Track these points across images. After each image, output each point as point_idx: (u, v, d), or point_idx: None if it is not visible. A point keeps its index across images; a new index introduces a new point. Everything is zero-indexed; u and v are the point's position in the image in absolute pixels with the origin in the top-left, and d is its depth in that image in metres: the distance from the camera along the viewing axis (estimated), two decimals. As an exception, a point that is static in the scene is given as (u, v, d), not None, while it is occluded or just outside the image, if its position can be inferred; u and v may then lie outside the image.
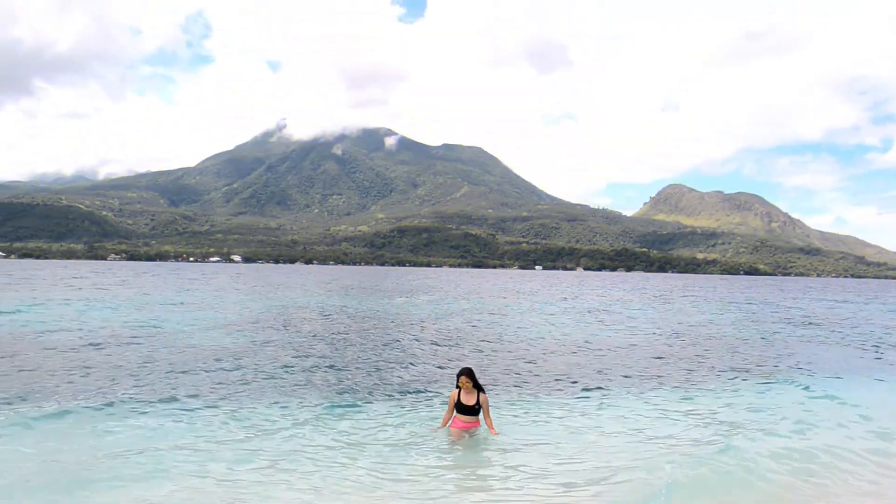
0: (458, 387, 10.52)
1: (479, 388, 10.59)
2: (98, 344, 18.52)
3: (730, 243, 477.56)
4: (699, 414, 12.38)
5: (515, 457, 9.52)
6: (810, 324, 33.97)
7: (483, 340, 22.20)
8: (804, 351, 22.13)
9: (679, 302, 52.78)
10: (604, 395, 13.88)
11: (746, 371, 17.04)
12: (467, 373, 10.48)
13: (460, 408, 10.48)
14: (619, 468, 8.92)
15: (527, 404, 12.86)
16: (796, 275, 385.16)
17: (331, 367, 16.49)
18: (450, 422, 10.66)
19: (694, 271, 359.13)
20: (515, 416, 11.89)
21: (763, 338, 25.66)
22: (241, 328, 24.11)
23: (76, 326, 23.05)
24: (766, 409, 12.75)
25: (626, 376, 15.86)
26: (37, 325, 23.23)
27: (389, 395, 13.39)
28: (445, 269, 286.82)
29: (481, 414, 10.60)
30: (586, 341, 22.78)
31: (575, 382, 15.07)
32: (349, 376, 15.27)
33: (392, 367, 16.65)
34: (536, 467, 9.05)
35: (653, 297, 60.16)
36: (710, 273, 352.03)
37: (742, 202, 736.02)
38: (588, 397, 13.69)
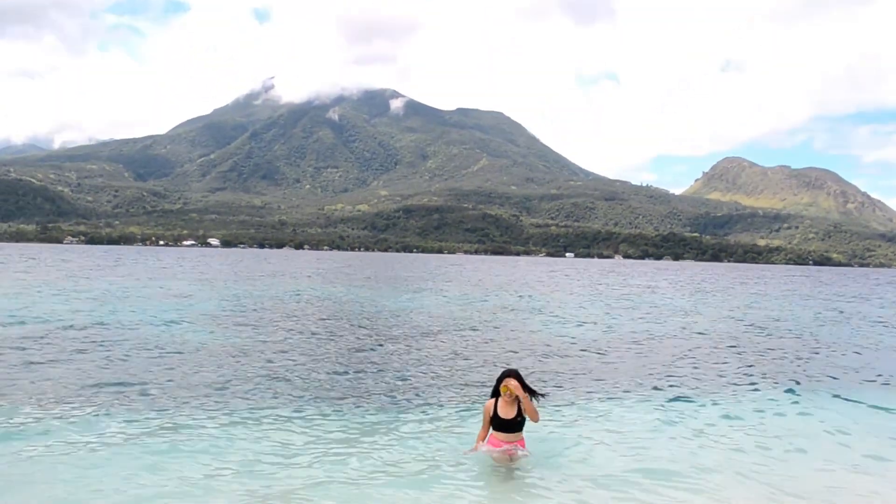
0: (495, 394, 9.32)
1: (530, 392, 9.34)
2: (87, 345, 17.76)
3: (797, 227, 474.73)
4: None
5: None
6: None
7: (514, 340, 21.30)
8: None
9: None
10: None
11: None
12: (515, 375, 9.22)
13: (497, 423, 9.24)
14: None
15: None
16: (876, 265, 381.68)
17: (334, 372, 16.41)
18: (486, 439, 9.49)
19: (754, 260, 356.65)
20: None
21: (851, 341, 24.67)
22: (239, 324, 23.56)
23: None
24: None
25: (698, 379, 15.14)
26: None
27: (404, 408, 13.05)
28: (460, 256, 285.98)
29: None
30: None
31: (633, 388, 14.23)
32: (356, 384, 15.15)
33: (411, 375, 16.42)
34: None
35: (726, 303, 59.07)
36: (774, 262, 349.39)
37: (812, 179, 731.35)
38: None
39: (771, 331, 28.56)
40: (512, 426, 9.17)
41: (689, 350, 21.94)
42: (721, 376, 17.14)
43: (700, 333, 26.71)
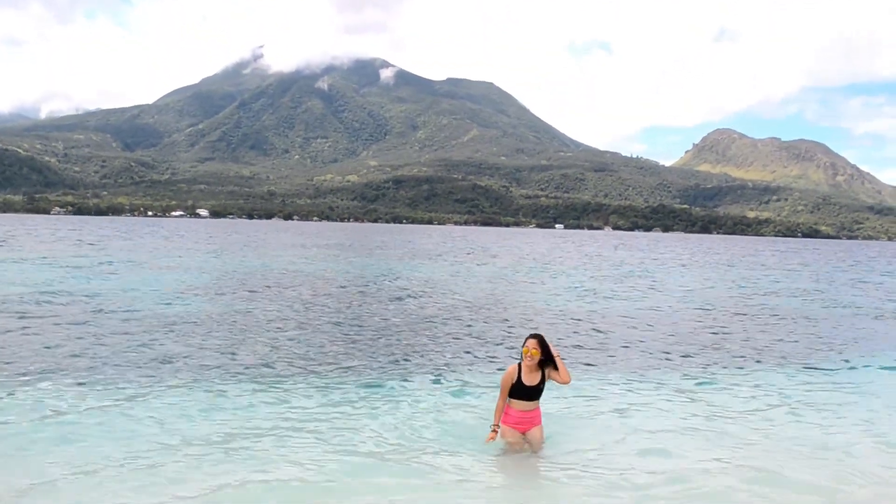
0: (520, 360, 8.82)
1: (548, 361, 8.78)
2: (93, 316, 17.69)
3: (786, 200, 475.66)
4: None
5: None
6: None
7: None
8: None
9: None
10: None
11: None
12: (538, 338, 8.73)
13: (519, 390, 8.72)
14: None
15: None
16: (864, 238, 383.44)
17: (328, 347, 16.28)
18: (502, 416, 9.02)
19: (743, 232, 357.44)
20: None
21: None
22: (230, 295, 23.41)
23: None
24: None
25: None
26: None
27: (411, 381, 13.07)
28: (450, 228, 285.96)
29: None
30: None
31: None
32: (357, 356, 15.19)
33: (415, 348, 16.42)
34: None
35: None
36: (763, 234, 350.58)
37: (802, 151, 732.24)
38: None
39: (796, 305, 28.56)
40: (533, 393, 8.76)
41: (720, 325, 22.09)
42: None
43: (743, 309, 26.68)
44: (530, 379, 8.65)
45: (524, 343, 8.70)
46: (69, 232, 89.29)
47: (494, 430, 8.86)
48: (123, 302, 22.35)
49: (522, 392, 8.68)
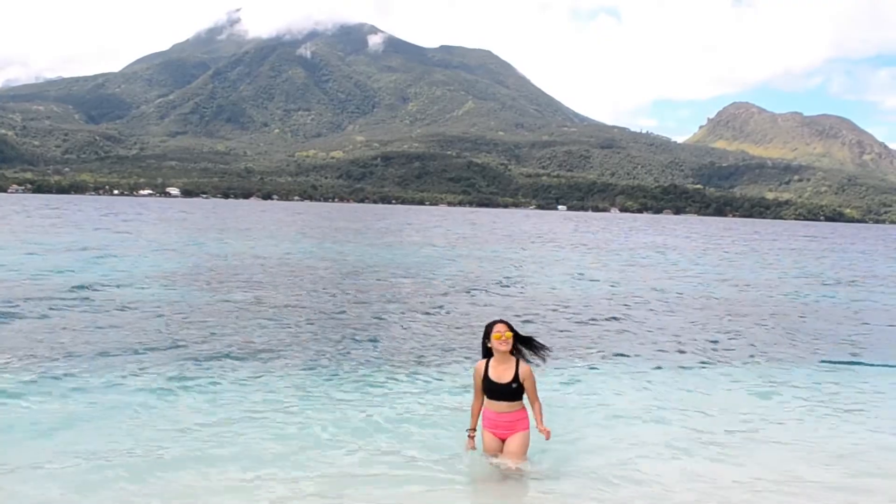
0: (485, 353, 8.23)
1: (518, 354, 8.18)
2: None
3: (809, 180, 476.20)
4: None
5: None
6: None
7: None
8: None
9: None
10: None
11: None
12: (505, 319, 8.28)
13: (490, 389, 8.06)
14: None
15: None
16: (892, 222, 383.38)
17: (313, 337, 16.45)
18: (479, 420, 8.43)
19: (762, 215, 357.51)
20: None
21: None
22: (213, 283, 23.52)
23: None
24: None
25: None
26: None
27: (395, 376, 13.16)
28: (443, 209, 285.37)
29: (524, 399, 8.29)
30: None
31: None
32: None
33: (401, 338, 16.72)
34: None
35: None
36: (783, 217, 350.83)
37: (826, 127, 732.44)
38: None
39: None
40: (507, 393, 7.97)
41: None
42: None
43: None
44: (498, 374, 7.97)
45: (490, 329, 8.10)
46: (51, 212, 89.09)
47: (471, 436, 8.38)
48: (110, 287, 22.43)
49: (493, 390, 8.02)
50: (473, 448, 8.33)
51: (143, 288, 23.56)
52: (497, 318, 8.39)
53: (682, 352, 16.19)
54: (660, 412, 11.19)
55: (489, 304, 22.62)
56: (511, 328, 8.01)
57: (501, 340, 7.89)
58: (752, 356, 15.94)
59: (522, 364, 8.01)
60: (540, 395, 8.12)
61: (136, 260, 34.03)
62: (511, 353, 8.02)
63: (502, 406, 8.01)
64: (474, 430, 8.31)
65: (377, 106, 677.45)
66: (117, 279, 25.90)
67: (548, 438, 7.98)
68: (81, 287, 22.38)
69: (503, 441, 8.11)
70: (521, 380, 7.92)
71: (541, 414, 8.02)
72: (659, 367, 14.46)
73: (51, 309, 18.39)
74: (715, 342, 17.52)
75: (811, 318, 22.72)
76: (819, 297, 28.72)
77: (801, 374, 14.42)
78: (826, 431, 10.55)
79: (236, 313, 19.22)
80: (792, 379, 13.83)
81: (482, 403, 8.22)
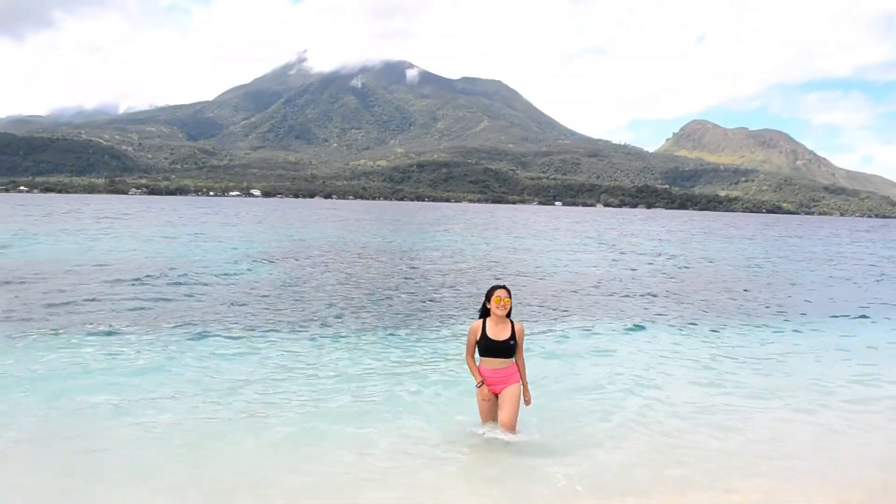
0: (483, 314, 7.34)
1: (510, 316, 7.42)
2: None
3: (753, 181, 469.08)
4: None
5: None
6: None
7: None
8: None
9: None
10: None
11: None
12: (506, 286, 7.41)
13: (488, 346, 7.19)
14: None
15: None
16: (819, 213, 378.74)
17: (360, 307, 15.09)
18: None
19: (716, 209, 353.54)
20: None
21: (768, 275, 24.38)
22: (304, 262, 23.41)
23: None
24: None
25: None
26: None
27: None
28: (465, 205, 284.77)
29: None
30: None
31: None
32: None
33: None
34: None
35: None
36: (733, 210, 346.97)
37: (767, 139, 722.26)
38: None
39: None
40: (504, 349, 7.16)
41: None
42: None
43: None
44: (496, 332, 7.14)
45: (491, 293, 7.20)
46: (196, 210, 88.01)
47: (483, 385, 7.25)
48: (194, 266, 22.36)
49: (490, 348, 7.14)
50: (490, 394, 7.24)
51: (243, 266, 23.47)
52: (500, 282, 7.56)
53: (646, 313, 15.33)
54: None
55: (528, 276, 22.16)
56: (510, 295, 7.21)
57: (500, 305, 7.07)
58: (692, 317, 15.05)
59: (517, 323, 7.26)
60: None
61: (242, 244, 34.28)
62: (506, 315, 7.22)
63: (497, 363, 7.15)
64: (482, 381, 7.23)
65: (413, 125, 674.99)
66: (224, 259, 26.04)
67: (528, 405, 7.34)
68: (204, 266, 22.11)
69: (496, 396, 7.27)
70: (517, 337, 7.17)
71: (524, 375, 7.35)
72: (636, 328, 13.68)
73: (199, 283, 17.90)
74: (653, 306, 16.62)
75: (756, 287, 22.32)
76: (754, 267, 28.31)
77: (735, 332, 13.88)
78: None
79: (330, 288, 18.69)
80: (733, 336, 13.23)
81: (475, 361, 7.33)
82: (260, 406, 8.21)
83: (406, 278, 22.38)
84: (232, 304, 15.63)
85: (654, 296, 19.53)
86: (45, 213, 66.84)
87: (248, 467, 6.51)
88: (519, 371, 7.28)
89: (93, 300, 15.38)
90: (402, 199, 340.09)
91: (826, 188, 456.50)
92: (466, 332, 7.40)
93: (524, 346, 7.34)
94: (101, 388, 8.63)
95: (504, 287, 7.24)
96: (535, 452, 6.99)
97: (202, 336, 11.98)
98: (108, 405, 8.00)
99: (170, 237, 38.68)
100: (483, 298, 7.32)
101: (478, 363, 7.29)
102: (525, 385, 7.30)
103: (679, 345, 12.68)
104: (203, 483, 6.15)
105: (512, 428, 7.16)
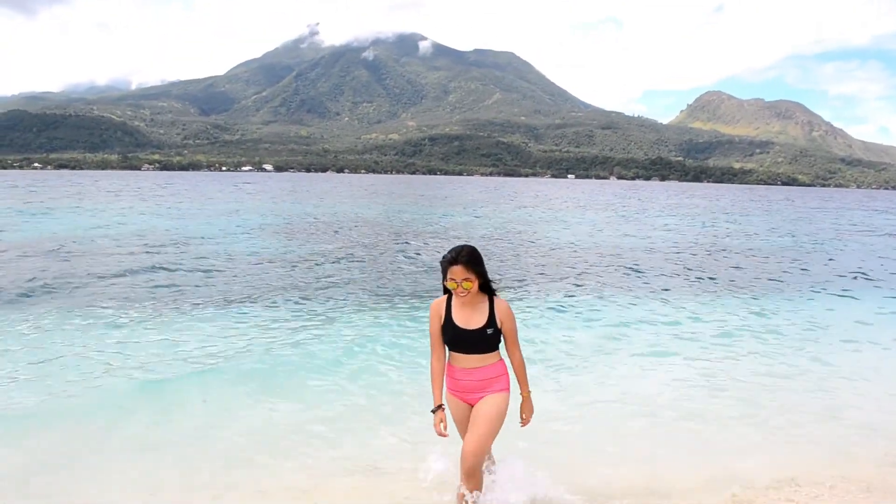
0: (445, 288, 4.38)
1: (489, 291, 4.37)
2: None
3: (768, 153, 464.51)
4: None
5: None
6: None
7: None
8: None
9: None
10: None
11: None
12: (466, 256, 4.23)
13: (455, 337, 4.35)
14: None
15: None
16: (835, 186, 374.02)
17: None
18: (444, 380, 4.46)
19: (730, 181, 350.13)
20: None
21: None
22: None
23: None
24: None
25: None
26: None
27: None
28: (477, 178, 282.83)
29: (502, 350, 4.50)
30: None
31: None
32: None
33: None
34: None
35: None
36: (748, 183, 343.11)
37: (783, 110, 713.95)
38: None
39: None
40: (480, 341, 4.31)
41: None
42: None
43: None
44: (466, 317, 4.32)
45: (445, 269, 4.25)
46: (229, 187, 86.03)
47: (438, 411, 4.35)
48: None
49: (459, 339, 4.33)
50: (443, 430, 4.33)
51: (260, 239, 22.94)
52: (459, 247, 4.27)
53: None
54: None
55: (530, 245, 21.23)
56: (473, 259, 4.24)
57: (457, 292, 4.24)
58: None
59: (498, 300, 4.39)
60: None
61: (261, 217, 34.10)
62: (480, 289, 4.32)
63: (472, 360, 4.35)
64: (442, 405, 4.39)
65: (425, 98, 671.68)
66: (242, 231, 25.72)
67: (523, 425, 4.59)
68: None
69: (472, 407, 4.45)
70: (498, 323, 4.35)
71: (524, 376, 4.53)
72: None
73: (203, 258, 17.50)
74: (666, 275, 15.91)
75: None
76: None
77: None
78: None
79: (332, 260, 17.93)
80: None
81: (441, 359, 4.45)
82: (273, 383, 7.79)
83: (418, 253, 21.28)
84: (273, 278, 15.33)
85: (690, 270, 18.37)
86: (113, 191, 64.34)
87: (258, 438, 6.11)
88: (516, 371, 4.51)
89: (156, 268, 15.83)
90: (413, 173, 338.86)
91: (843, 160, 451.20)
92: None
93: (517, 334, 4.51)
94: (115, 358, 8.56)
95: (463, 257, 4.22)
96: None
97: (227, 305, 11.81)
98: (123, 375, 7.82)
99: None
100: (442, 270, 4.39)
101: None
102: (525, 393, 4.55)
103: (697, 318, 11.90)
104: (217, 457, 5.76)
105: (474, 462, 4.30)
